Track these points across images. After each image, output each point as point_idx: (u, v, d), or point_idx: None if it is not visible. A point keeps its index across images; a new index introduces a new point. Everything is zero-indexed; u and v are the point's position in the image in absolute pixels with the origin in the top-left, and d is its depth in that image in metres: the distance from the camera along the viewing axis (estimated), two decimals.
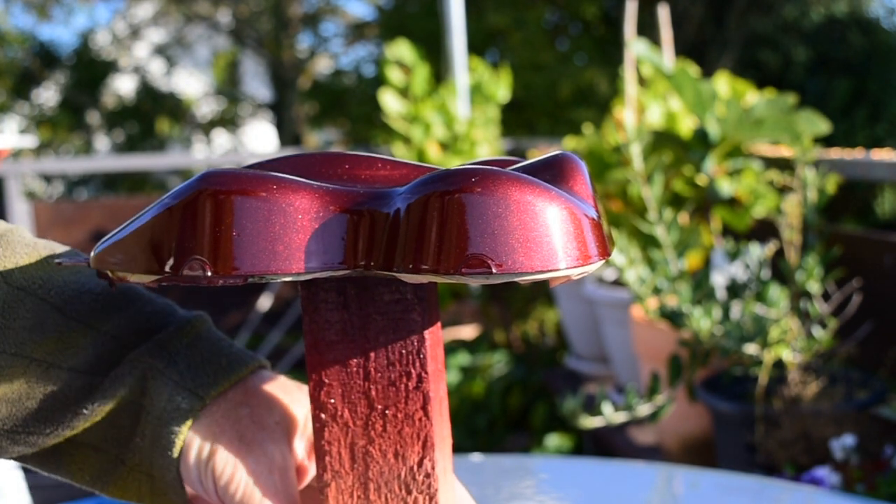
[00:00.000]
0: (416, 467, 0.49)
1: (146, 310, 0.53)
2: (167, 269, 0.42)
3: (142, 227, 0.43)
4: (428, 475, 0.49)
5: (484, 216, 0.40)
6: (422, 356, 0.49)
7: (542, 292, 3.13)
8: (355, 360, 0.48)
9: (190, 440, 0.50)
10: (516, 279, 0.40)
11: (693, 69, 1.96)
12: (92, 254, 0.46)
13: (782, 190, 1.95)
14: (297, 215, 0.43)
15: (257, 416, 0.51)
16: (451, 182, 0.40)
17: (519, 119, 6.84)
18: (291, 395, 0.53)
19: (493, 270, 0.39)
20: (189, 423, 0.49)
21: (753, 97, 2.08)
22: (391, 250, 0.42)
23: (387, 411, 0.49)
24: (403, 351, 0.48)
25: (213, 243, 0.42)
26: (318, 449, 0.49)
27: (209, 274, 0.42)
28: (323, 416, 0.48)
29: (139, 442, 0.50)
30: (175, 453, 0.49)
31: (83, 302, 0.52)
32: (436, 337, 0.50)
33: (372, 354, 0.48)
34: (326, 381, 0.48)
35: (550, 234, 0.40)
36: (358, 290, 0.48)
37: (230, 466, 0.49)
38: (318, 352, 0.48)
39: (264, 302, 3.43)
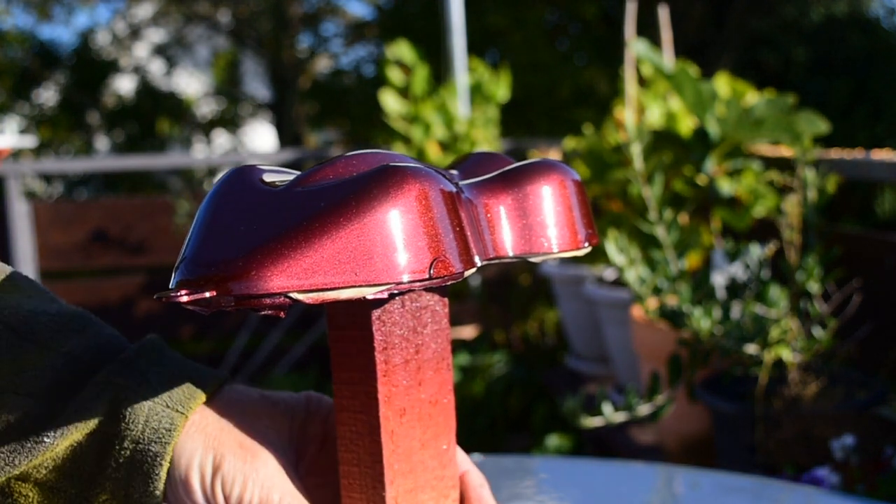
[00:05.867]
0: (446, 447, 0.51)
1: (105, 332, 0.50)
2: (412, 274, 0.40)
3: (337, 237, 0.40)
4: (453, 452, 0.51)
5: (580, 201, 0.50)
6: (449, 343, 0.50)
7: (542, 292, 3.13)
8: (412, 358, 0.49)
9: (188, 458, 0.47)
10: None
11: (693, 69, 1.96)
12: (246, 279, 0.39)
13: (782, 190, 1.95)
14: (464, 211, 0.44)
15: (248, 422, 0.50)
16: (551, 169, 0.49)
17: (519, 119, 6.84)
18: (268, 399, 0.52)
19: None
20: (173, 442, 0.47)
21: (753, 97, 2.08)
22: (523, 234, 0.46)
23: (432, 400, 0.50)
24: (440, 339, 0.50)
25: (449, 242, 0.42)
26: (389, 454, 0.48)
27: (460, 271, 0.42)
28: (392, 420, 0.48)
29: (110, 473, 0.47)
30: (161, 475, 0.47)
31: (39, 322, 0.48)
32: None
33: (422, 348, 0.49)
34: (394, 384, 0.48)
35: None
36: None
37: (240, 475, 0.47)
38: (388, 356, 0.47)
39: None
